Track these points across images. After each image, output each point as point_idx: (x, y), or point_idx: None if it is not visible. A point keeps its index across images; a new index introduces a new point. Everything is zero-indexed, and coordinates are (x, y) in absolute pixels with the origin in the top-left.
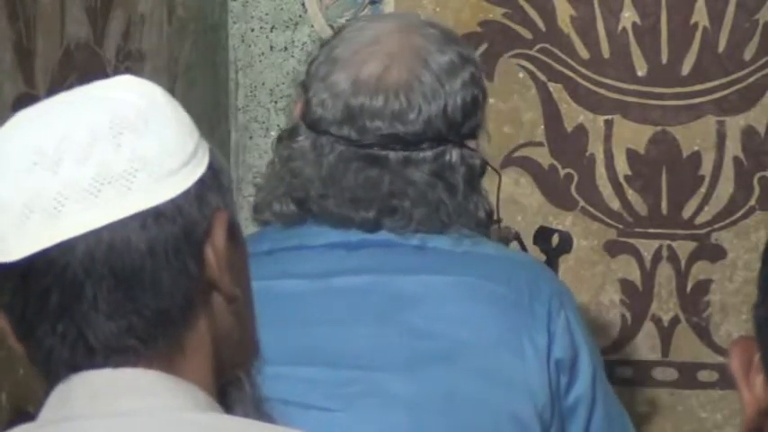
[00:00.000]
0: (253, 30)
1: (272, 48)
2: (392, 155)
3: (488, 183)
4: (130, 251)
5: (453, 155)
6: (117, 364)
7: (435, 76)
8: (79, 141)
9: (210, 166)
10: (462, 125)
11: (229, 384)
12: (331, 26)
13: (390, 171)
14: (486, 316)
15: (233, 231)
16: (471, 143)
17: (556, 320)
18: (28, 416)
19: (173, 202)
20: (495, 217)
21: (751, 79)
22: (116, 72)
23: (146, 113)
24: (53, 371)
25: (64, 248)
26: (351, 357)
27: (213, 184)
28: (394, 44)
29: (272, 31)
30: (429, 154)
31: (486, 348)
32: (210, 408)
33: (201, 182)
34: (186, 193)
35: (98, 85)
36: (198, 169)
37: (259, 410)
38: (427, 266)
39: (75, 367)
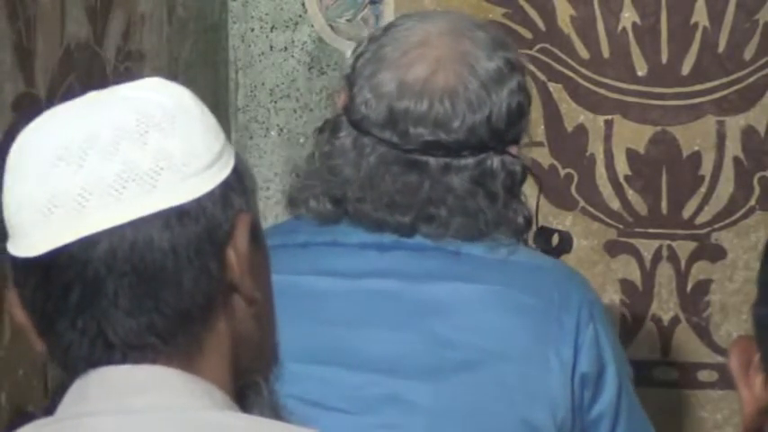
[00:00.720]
0: (253, 30)
1: (272, 48)
2: (432, 161)
3: (528, 188)
4: (153, 249)
5: (495, 161)
6: (135, 361)
7: (481, 84)
8: (105, 138)
9: (235, 169)
10: (506, 133)
11: (248, 388)
12: (331, 26)
13: (430, 177)
14: (512, 327)
15: (255, 234)
16: (513, 149)
17: (584, 333)
18: (28, 416)
19: (197, 202)
20: (535, 224)
21: (751, 79)
22: (116, 72)
23: (173, 113)
24: (72, 366)
25: (86, 244)
26: (372, 361)
27: (237, 186)
28: (442, 48)
29: (272, 31)
30: (470, 161)
31: (510, 359)
32: (227, 407)
33: (226, 184)
34: (210, 194)
35: (126, 86)
36: (223, 171)
37: (276, 416)
38: (458, 274)
39: (94, 363)
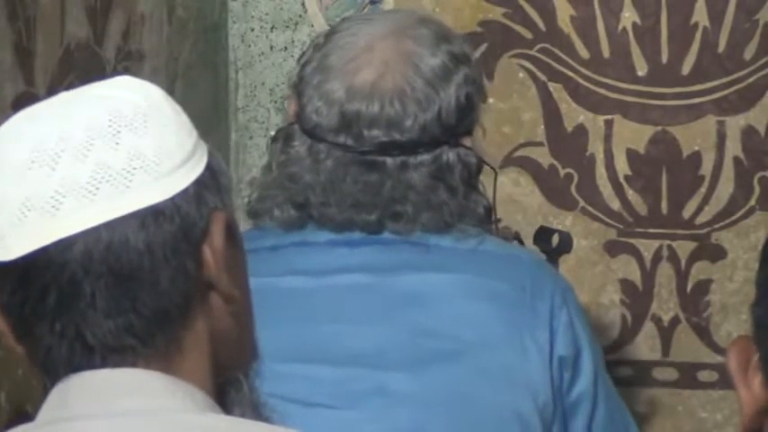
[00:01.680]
0: (253, 30)
1: (272, 48)
2: (389, 160)
3: (485, 180)
4: (129, 249)
5: (450, 156)
6: (115, 364)
7: (427, 82)
8: (78, 139)
9: (209, 167)
10: (457, 126)
11: (228, 385)
12: (331, 26)
13: (389, 176)
14: (488, 314)
15: (231, 232)
16: (467, 140)
17: (558, 317)
18: (27, 416)
19: (171, 201)
20: (494, 213)
21: (751, 79)
22: (116, 72)
23: (145, 112)
24: (52, 370)
25: (62, 246)
26: (355, 356)
27: (211, 184)
28: (387, 51)
29: (272, 31)
30: (426, 157)
31: (490, 347)
32: (209, 408)
33: (200, 182)
34: (184, 193)
35: (97, 85)
36: (196, 169)
37: (257, 413)
38: (430, 264)
39: (74, 367)
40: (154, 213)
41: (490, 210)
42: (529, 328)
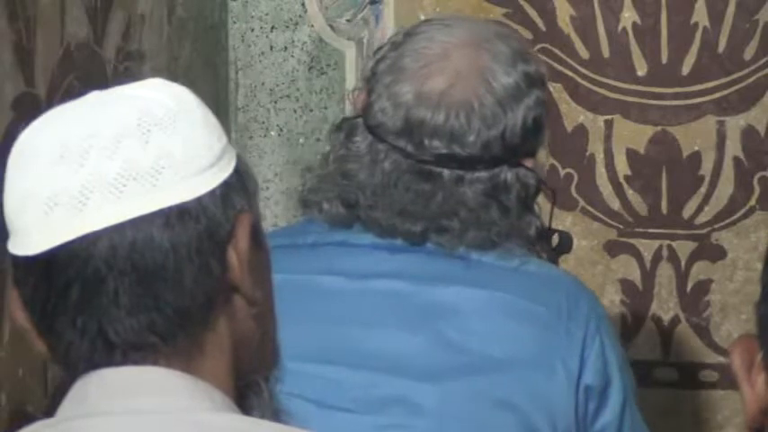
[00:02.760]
0: (253, 30)
1: (272, 48)
2: (446, 172)
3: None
4: (153, 248)
5: (508, 175)
6: (136, 362)
7: (497, 101)
8: (106, 137)
9: (236, 170)
10: (520, 147)
11: (248, 389)
12: (331, 26)
13: (443, 188)
14: (520, 334)
15: (256, 235)
16: (528, 162)
17: (591, 345)
18: (27, 416)
19: (197, 201)
20: (548, 235)
21: (751, 79)
22: (116, 72)
23: (175, 113)
24: (73, 366)
25: (87, 242)
26: (379, 361)
27: (239, 186)
28: (461, 61)
29: (272, 31)
30: (484, 174)
31: (517, 367)
32: (227, 409)
33: (227, 184)
34: (211, 194)
35: (128, 86)
36: (224, 171)
37: (276, 419)
38: (467, 279)
39: (95, 363)
40: (180, 212)
41: (542, 232)
42: (560, 352)
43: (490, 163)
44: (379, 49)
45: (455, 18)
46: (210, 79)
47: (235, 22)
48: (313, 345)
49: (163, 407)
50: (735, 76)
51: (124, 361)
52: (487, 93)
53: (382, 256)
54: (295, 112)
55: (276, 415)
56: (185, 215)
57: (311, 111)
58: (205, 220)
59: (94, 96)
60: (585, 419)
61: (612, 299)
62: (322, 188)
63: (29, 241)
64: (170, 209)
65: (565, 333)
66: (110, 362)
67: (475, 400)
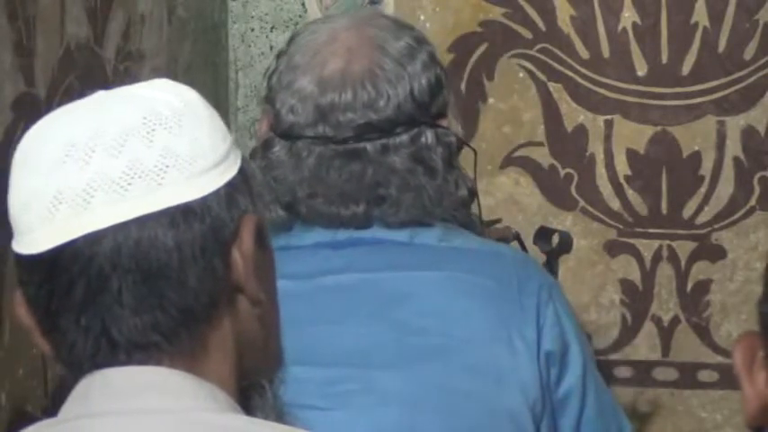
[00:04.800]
0: (253, 30)
1: (272, 48)
2: (369, 146)
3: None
4: (158, 246)
5: (429, 136)
6: (140, 361)
7: (395, 61)
8: (112, 135)
9: (242, 171)
10: (431, 105)
11: (252, 390)
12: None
13: (371, 162)
14: (475, 311)
15: (261, 236)
16: (443, 122)
17: (545, 312)
18: (27, 416)
19: (202, 201)
20: (476, 195)
21: (751, 79)
22: (116, 72)
23: (180, 113)
24: (76, 366)
25: (91, 240)
26: (343, 355)
27: (243, 187)
28: (350, 39)
29: (272, 31)
30: (405, 138)
31: (478, 343)
32: (230, 409)
33: (232, 184)
34: (216, 194)
35: (134, 86)
36: (229, 172)
37: (280, 420)
38: (415, 263)
39: (98, 363)
40: (184, 212)
41: (473, 190)
42: (516, 323)
43: (407, 124)
44: (267, 69)
45: (335, 14)
46: (210, 79)
47: (235, 22)
48: None
49: (164, 407)
50: (735, 76)
51: (128, 360)
52: (384, 56)
53: (326, 253)
54: None
55: (280, 416)
56: (190, 215)
57: None
58: (210, 220)
59: (100, 96)
60: (549, 386)
61: (612, 299)
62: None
63: (33, 240)
64: (175, 208)
65: (518, 305)
66: (113, 361)
67: (442, 383)
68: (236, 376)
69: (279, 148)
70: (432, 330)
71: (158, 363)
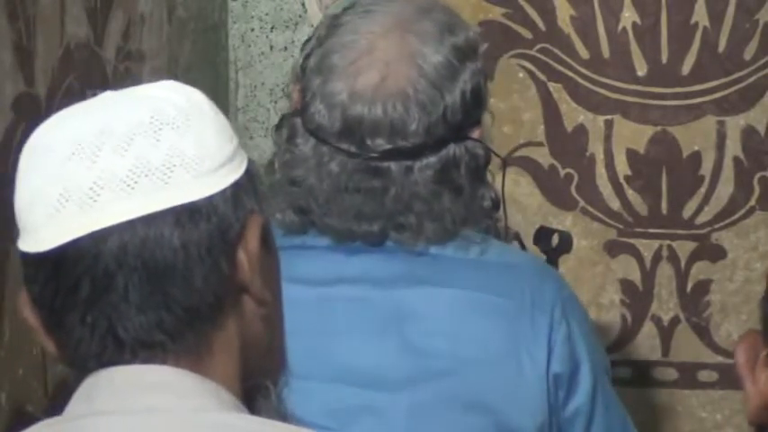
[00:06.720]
0: (253, 30)
1: (272, 48)
2: (394, 165)
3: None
4: (163, 245)
5: (456, 151)
6: (145, 360)
7: (431, 83)
8: (119, 133)
9: (248, 172)
10: (464, 122)
11: (256, 391)
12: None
13: (394, 182)
14: (485, 331)
15: (266, 237)
16: (475, 130)
17: (557, 331)
18: (27, 416)
19: (208, 200)
20: (503, 204)
21: (751, 79)
22: (116, 72)
23: (187, 113)
24: (81, 364)
25: (97, 238)
26: (348, 372)
27: (249, 188)
28: (389, 50)
29: (272, 31)
30: (432, 159)
31: (486, 364)
32: (234, 408)
33: (238, 185)
34: (222, 194)
35: (142, 87)
36: (235, 172)
37: (284, 422)
38: (429, 277)
39: (104, 361)
40: (190, 211)
41: (498, 201)
42: (526, 343)
43: (436, 147)
44: (307, 42)
45: (377, 4)
46: (210, 79)
47: (235, 22)
48: None
49: (168, 406)
50: (735, 76)
51: (133, 359)
52: (420, 77)
53: (340, 258)
54: None
55: (284, 419)
56: (196, 214)
57: None
58: (216, 220)
59: (108, 96)
60: (557, 407)
61: (612, 299)
62: (272, 201)
63: (39, 238)
64: (181, 207)
65: (530, 323)
66: (119, 360)
67: (446, 406)
68: (240, 376)
69: (302, 142)
70: (439, 352)
71: (163, 362)
